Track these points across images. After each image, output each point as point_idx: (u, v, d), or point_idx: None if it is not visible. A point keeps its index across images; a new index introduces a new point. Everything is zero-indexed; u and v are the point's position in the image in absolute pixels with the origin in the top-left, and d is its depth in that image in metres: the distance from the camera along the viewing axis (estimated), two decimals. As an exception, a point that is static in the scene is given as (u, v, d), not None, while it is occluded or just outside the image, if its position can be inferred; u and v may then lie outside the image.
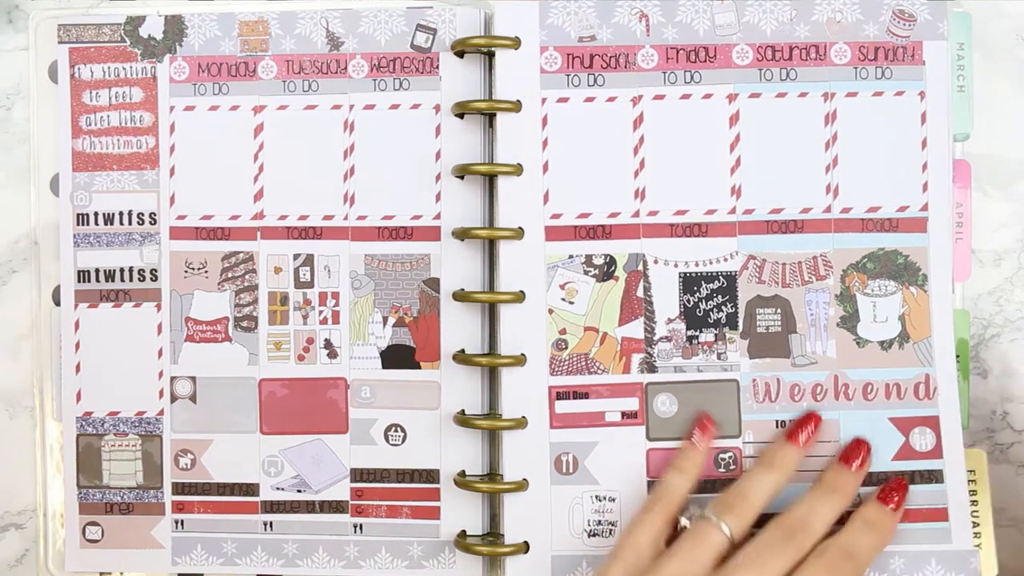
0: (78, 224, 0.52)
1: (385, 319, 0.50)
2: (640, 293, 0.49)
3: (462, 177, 0.50)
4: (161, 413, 0.51)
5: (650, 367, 0.49)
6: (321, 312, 0.51)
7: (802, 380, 0.48)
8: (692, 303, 0.49)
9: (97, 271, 0.51)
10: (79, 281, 0.51)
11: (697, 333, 0.49)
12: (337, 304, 0.51)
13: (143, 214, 0.51)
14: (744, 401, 0.49)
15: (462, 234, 0.49)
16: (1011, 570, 0.50)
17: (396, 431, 0.50)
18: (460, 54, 0.50)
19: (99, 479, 0.51)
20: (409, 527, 0.50)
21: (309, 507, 0.51)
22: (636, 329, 0.49)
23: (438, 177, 0.50)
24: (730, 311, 0.49)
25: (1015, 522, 0.50)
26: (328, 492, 0.51)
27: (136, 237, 0.51)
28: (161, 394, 0.51)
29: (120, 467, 0.51)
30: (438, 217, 0.50)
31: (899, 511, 0.46)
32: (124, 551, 0.52)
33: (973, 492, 0.49)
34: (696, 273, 0.49)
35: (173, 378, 0.51)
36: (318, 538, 0.51)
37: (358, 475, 0.51)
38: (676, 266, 0.49)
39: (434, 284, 0.50)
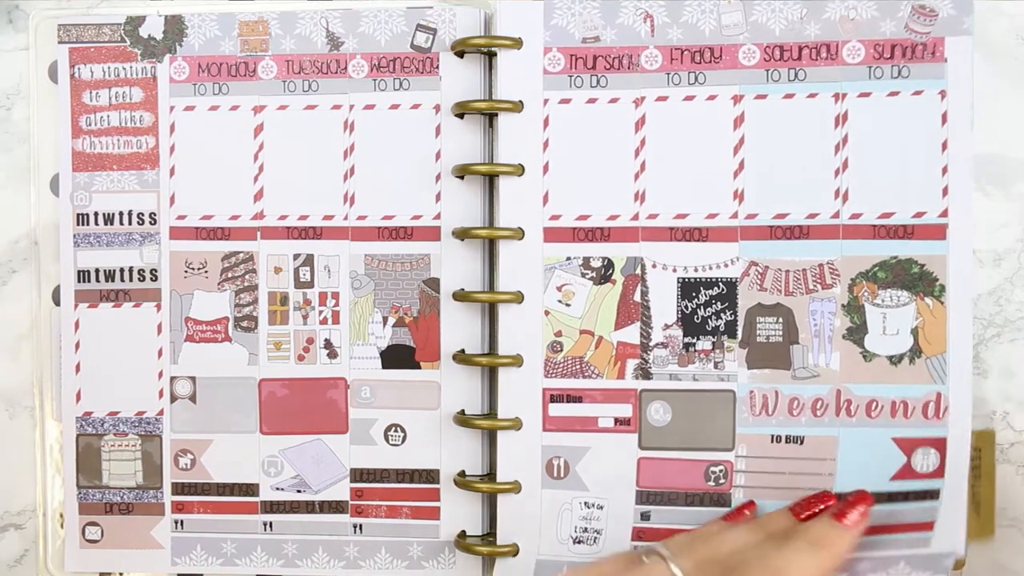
0: (78, 224, 0.51)
1: (385, 319, 0.50)
2: (637, 297, 0.48)
3: (462, 177, 0.50)
4: (161, 413, 0.51)
5: (645, 373, 0.48)
6: (321, 312, 0.51)
7: (802, 393, 0.47)
8: (690, 309, 0.48)
9: (97, 271, 0.51)
10: (79, 281, 0.51)
11: (694, 340, 0.48)
12: (337, 304, 0.51)
13: (143, 214, 0.51)
14: (740, 413, 0.48)
15: (462, 234, 0.49)
16: (1011, 570, 0.50)
17: (396, 431, 0.50)
18: (460, 54, 0.50)
19: (99, 479, 0.51)
20: (409, 527, 0.50)
21: (309, 507, 0.51)
22: (632, 334, 0.48)
23: (438, 177, 0.50)
24: (729, 319, 0.48)
25: (1015, 522, 0.50)
26: (328, 492, 0.51)
27: (136, 237, 0.51)
28: (161, 394, 0.51)
29: (120, 467, 0.51)
30: (438, 217, 0.50)
31: (854, 529, 0.43)
32: (124, 551, 0.52)
33: (976, 467, 0.48)
34: (695, 279, 0.48)
35: (173, 378, 0.51)
36: (318, 538, 0.51)
37: (358, 475, 0.50)
38: (675, 271, 0.48)
39: (434, 284, 0.50)
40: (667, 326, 0.48)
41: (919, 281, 0.47)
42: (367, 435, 0.50)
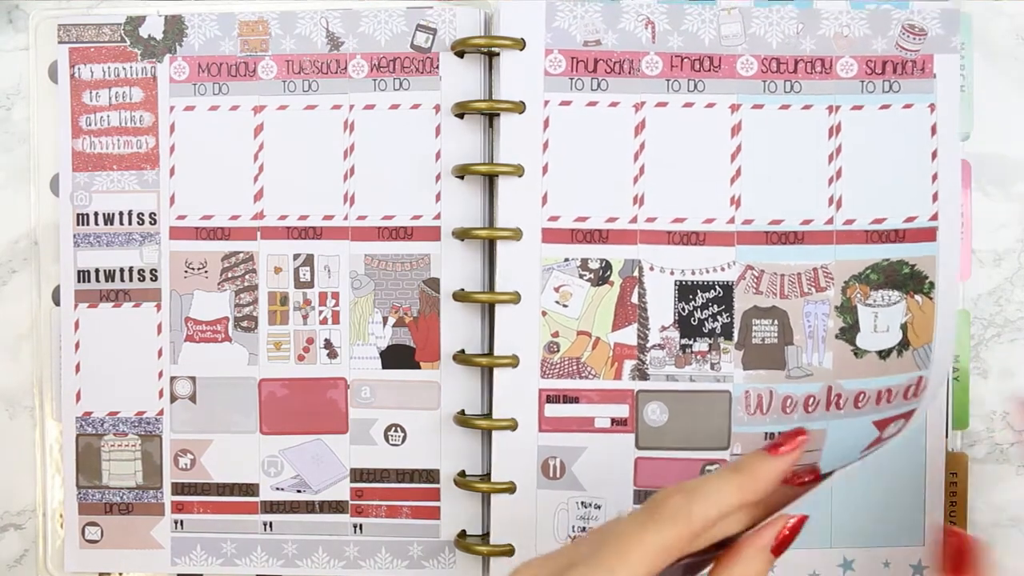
0: (78, 224, 0.51)
1: (385, 319, 0.50)
2: (635, 299, 0.49)
3: (462, 177, 0.50)
4: (161, 413, 0.51)
5: (642, 374, 0.49)
6: (321, 312, 0.51)
7: (795, 392, 0.48)
8: (687, 311, 0.49)
9: (97, 271, 0.51)
10: (79, 281, 0.51)
11: (691, 342, 0.49)
12: (337, 304, 0.51)
13: (143, 214, 0.51)
14: (735, 413, 0.48)
15: (462, 234, 0.49)
16: (1011, 570, 0.50)
17: (396, 431, 0.50)
18: (460, 54, 0.50)
19: (99, 479, 0.52)
20: (409, 527, 0.50)
21: (309, 507, 0.51)
22: (629, 335, 0.49)
23: (438, 177, 0.50)
24: (725, 321, 0.48)
25: (1015, 522, 0.50)
26: (328, 492, 0.51)
27: (136, 237, 0.51)
28: (161, 394, 0.51)
29: (120, 467, 0.51)
30: (438, 217, 0.50)
31: (778, 457, 0.38)
32: (123, 551, 0.52)
33: (953, 495, 0.49)
34: (692, 282, 0.48)
35: (173, 378, 0.51)
36: (318, 538, 0.51)
37: (358, 475, 0.51)
38: (672, 274, 0.48)
39: (434, 284, 0.50)
40: (664, 328, 0.49)
41: (910, 280, 0.48)
42: (367, 435, 0.50)
